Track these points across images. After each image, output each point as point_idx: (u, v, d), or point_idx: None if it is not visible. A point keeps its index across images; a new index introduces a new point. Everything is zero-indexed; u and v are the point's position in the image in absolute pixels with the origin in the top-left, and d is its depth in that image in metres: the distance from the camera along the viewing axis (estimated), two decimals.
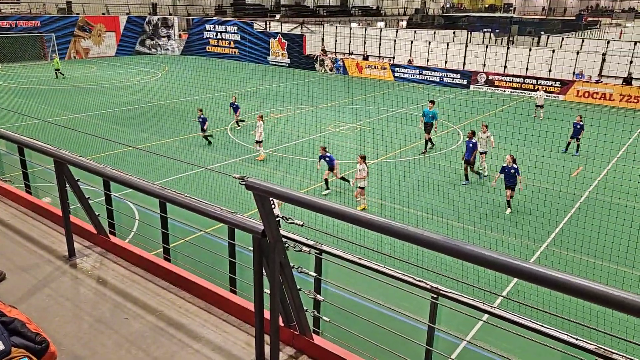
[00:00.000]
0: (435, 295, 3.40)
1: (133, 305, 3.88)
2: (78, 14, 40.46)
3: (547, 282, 1.98)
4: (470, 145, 14.30)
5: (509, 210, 12.30)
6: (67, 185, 4.50)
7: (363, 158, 12.33)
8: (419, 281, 3.36)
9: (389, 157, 16.46)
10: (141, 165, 14.95)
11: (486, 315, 3.28)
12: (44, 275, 4.30)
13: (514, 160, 12.24)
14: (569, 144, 17.51)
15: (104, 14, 42.36)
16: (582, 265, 9.65)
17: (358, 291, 3.89)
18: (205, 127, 17.26)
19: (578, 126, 17.19)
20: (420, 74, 33.35)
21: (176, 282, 4.16)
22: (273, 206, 9.98)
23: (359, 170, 12.23)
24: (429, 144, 17.51)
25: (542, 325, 2.88)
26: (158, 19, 44.18)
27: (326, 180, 13.33)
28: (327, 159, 13.18)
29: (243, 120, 20.06)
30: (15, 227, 5.21)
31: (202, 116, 17.26)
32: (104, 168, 4.13)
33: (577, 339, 2.75)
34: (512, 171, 12.14)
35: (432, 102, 17.78)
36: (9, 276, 4.22)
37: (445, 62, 33.36)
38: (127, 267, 4.46)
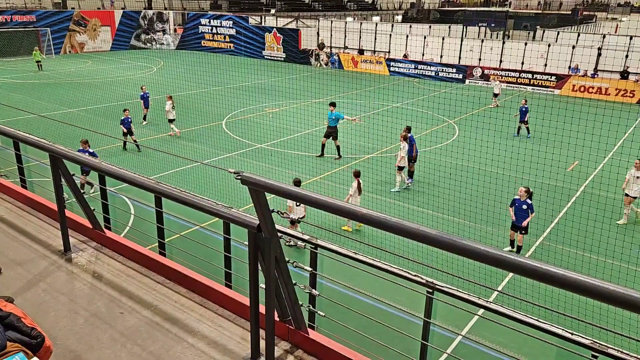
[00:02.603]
0: (430, 290, 3.42)
1: (128, 300, 3.88)
2: (73, 8, 40.14)
3: (542, 276, 2.00)
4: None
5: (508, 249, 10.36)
6: (62, 179, 4.49)
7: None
8: (415, 276, 3.38)
9: (384, 152, 16.47)
10: (136, 160, 14.90)
11: (482, 310, 3.30)
12: (39, 270, 4.29)
13: (530, 194, 10.03)
14: (519, 128, 19.16)
15: (99, 8, 42.05)
16: (578, 260, 9.72)
17: (353, 286, 3.91)
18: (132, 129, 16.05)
19: (524, 109, 18.80)
20: (415, 68, 33.33)
21: (171, 276, 4.17)
22: (298, 205, 9.81)
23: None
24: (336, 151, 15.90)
25: (537, 320, 2.91)
26: (153, 14, 43.91)
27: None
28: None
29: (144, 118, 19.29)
30: (10, 221, 5.20)
31: (128, 117, 15.85)
32: (99, 163, 4.12)
33: (572, 334, 2.78)
34: (525, 207, 9.89)
35: (333, 104, 16.00)
36: (5, 271, 4.22)
37: (441, 56, 33.34)
38: (122, 262, 4.46)
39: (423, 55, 34.17)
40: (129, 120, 15.80)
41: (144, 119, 19.20)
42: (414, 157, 13.77)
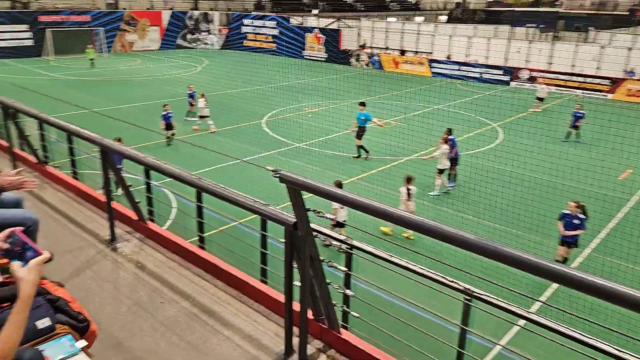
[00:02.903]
0: (468, 297, 3.35)
1: (169, 291, 4.01)
2: (125, 8, 41.71)
3: (588, 288, 1.92)
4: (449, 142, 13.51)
5: None
6: (111, 172, 4.69)
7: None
8: (451, 282, 3.33)
9: (423, 154, 16.23)
10: (179, 156, 15.34)
11: (522, 320, 3.21)
12: (87, 258, 4.50)
13: (582, 209, 9.36)
14: (569, 133, 18.43)
15: (148, 8, 43.52)
16: (628, 274, 9.27)
17: (388, 288, 3.89)
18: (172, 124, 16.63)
19: (578, 114, 18.01)
20: (459, 69, 32.68)
21: (210, 269, 4.27)
22: (342, 207, 9.82)
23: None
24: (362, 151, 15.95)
25: (582, 334, 2.79)
26: (199, 14, 45.03)
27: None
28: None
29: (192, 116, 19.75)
30: (62, 211, 5.47)
31: (169, 112, 16.47)
32: (145, 157, 4.28)
33: (621, 351, 2.64)
34: (577, 221, 9.23)
35: (363, 104, 16.01)
36: (56, 257, 4.44)
37: (486, 57, 32.54)
38: (164, 254, 4.61)
39: (467, 56, 33.46)
40: (169, 115, 16.42)
41: (188, 114, 19.78)
42: (455, 159, 13.55)
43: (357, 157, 15.82)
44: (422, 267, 3.46)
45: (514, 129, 19.76)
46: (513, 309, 3.12)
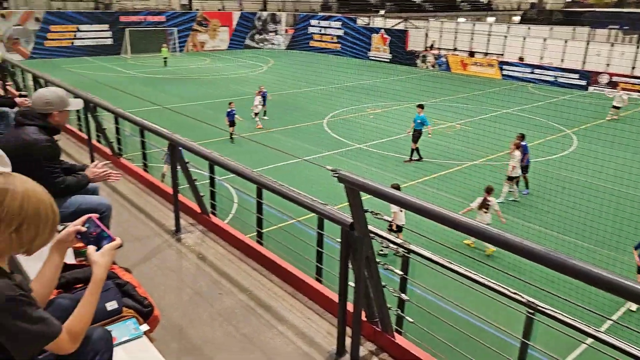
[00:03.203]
0: (531, 311, 3.20)
1: (227, 283, 4.14)
2: (197, 9, 43.56)
3: None
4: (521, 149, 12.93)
5: None
6: (179, 166, 4.92)
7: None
8: (514, 293, 3.18)
9: (489, 160, 15.66)
10: (242, 152, 15.78)
11: (590, 339, 3.02)
12: (153, 247, 4.75)
13: None
14: None
15: (219, 9, 45.16)
16: None
17: (445, 295, 3.79)
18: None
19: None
20: (531, 72, 31.17)
21: (267, 265, 4.36)
22: (401, 211, 9.81)
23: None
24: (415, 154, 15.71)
25: None
26: (267, 15, 46.10)
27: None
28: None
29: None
30: (133, 201, 5.80)
31: (233, 110, 17.05)
32: (211, 153, 4.45)
33: None
34: None
35: (421, 106, 15.77)
36: (125, 244, 4.71)
37: (562, 60, 30.81)
38: (224, 247, 4.77)
39: (541, 58, 31.85)
40: (234, 112, 17.06)
41: (264, 114, 20.41)
42: (526, 167, 13.00)
43: (408, 161, 15.57)
44: (482, 276, 3.34)
45: (589, 137, 18.55)
46: (580, 326, 2.93)
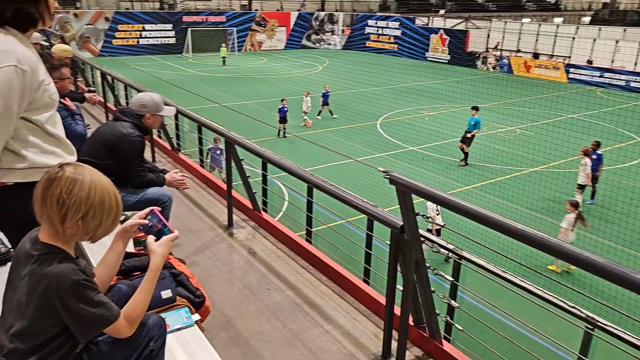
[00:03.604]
0: (590, 327, 3.03)
1: (275, 279, 4.21)
2: (256, 10, 44.51)
3: None
4: (594, 157, 12.37)
5: None
6: (233, 163, 5.05)
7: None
8: (572, 307, 3.02)
9: (551, 167, 14.94)
10: (295, 152, 15.97)
11: None
12: (206, 240, 4.90)
13: None
14: None
15: (278, 10, 45.90)
16: None
17: (497, 305, 3.65)
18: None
19: (594, 156, 13.30)
20: (601, 76, 29.44)
21: (315, 263, 4.39)
22: (438, 214, 9.64)
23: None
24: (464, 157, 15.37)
25: None
26: (325, 15, 46.34)
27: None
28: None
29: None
30: (189, 195, 6.02)
31: (284, 107, 17.87)
32: (265, 151, 4.53)
33: None
34: None
35: (476, 108, 15.47)
36: (180, 236, 4.90)
37: (635, 64, 28.86)
38: (274, 243, 4.85)
39: (612, 61, 30.00)
40: (285, 109, 17.58)
41: (331, 114, 20.70)
42: (596, 176, 12.41)
43: (464, 165, 15.22)
44: (538, 288, 3.19)
45: None
46: None
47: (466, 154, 15.30)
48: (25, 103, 1.97)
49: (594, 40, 31.65)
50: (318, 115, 20.50)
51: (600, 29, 34.39)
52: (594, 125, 19.55)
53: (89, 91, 6.73)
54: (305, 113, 19.48)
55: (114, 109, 9.96)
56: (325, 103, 20.64)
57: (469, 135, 15.20)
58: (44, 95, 2.06)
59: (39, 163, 2.05)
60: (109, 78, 9.48)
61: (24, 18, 1.97)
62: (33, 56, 1.99)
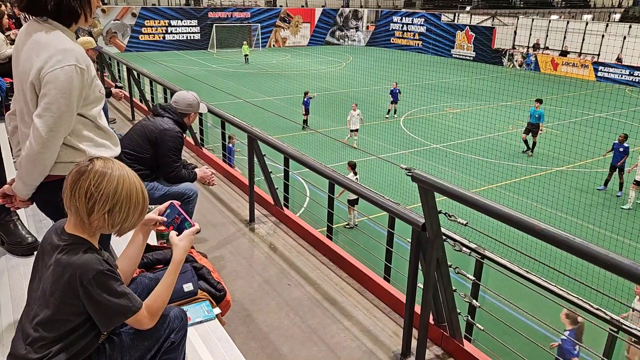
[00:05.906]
0: (614, 329, 2.95)
1: (296, 274, 4.22)
2: (281, 6, 44.58)
3: None
4: (621, 149, 12.66)
5: None
6: (255, 158, 5.08)
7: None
8: (596, 309, 2.95)
9: (578, 166, 14.58)
10: (318, 148, 15.96)
11: None
12: (228, 234, 4.95)
13: None
14: None
15: (302, 6, 45.88)
16: None
17: (520, 306, 3.59)
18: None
19: (621, 149, 12.95)
20: (630, 74, 28.57)
21: (335, 260, 4.39)
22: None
23: None
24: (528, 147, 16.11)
25: None
26: (349, 11, 46.12)
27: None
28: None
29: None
30: (212, 190, 6.08)
31: (308, 99, 18.05)
32: (287, 147, 4.55)
33: None
34: None
35: (540, 101, 16.15)
36: (202, 230, 4.97)
37: None
38: (294, 239, 4.87)
39: None
40: (308, 101, 17.79)
41: (395, 112, 20.61)
42: (621, 168, 12.66)
43: (526, 151, 16.03)
44: (562, 289, 3.13)
45: None
46: None
47: (534, 144, 15.94)
48: (82, 99, 2.04)
49: (624, 37, 30.70)
50: (387, 114, 20.30)
51: (630, 26, 33.31)
52: (622, 125, 18.97)
53: (116, 87, 6.85)
54: (353, 131, 16.29)
55: (140, 104, 10.13)
56: (394, 101, 20.02)
57: (538, 129, 15.86)
58: (95, 90, 2.14)
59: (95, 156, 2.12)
60: (135, 73, 9.63)
61: (66, 12, 2.02)
62: (85, 53, 2.06)
